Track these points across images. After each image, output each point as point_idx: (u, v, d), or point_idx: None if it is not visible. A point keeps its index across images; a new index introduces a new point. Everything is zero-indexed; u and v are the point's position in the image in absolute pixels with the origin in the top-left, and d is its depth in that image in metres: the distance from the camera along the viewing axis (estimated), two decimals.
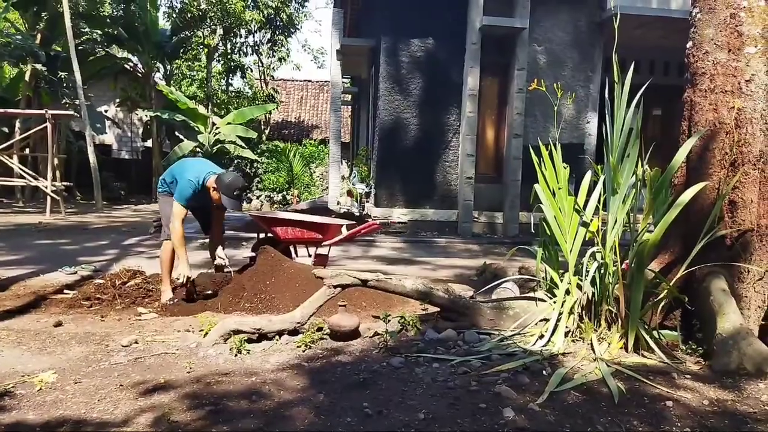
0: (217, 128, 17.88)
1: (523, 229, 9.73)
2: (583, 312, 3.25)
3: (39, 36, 16.07)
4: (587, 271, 3.23)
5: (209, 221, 4.81)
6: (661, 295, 3.13)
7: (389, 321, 3.29)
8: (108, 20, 17.24)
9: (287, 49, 25.27)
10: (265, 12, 21.34)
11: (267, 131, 23.44)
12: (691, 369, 2.88)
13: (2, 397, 2.47)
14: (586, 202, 3.53)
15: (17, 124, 15.60)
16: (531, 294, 3.66)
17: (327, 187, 14.97)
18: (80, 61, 14.40)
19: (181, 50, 19.99)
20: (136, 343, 3.26)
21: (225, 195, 4.24)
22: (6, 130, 16.81)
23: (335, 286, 3.40)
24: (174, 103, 17.66)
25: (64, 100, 16.38)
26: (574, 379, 2.65)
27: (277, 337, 3.28)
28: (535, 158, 3.75)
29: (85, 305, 4.19)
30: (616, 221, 3.21)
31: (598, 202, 3.47)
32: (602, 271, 3.21)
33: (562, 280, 3.42)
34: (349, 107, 21.49)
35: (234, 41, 21.98)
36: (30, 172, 13.03)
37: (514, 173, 9.70)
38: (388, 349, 3.09)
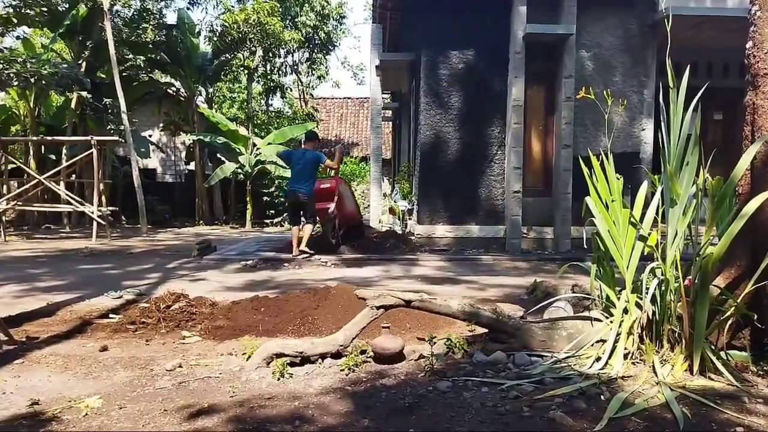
0: (257, 149, 18.33)
1: (575, 244, 9.52)
2: (643, 332, 3.14)
3: (84, 64, 16.91)
4: (647, 288, 3.13)
5: (299, 216, 8.83)
6: (728, 313, 3.00)
7: (435, 343, 3.26)
8: (150, 46, 18.00)
9: (326, 67, 25.85)
10: (304, 31, 21.89)
11: None
12: (764, 392, 2.73)
13: (50, 423, 2.57)
14: (643, 214, 3.43)
15: (64, 151, 16.39)
16: (586, 313, 3.57)
17: (368, 205, 15.08)
18: (124, 87, 15.08)
19: (222, 73, 20.68)
20: (180, 367, 3.34)
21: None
22: (53, 157, 17.68)
23: (378, 307, 3.40)
24: (216, 126, 18.23)
25: (109, 126, 17.13)
26: (635, 404, 2.56)
27: (320, 360, 3.30)
28: (585, 169, 3.68)
29: (130, 329, 4.32)
30: (676, 234, 3.11)
31: (656, 214, 3.37)
32: (663, 288, 3.11)
33: (619, 298, 3.32)
34: (390, 122, 21.65)
35: (273, 61, 22.61)
36: (76, 198, 13.64)
37: (564, 186, 9.53)
38: (434, 373, 3.06)
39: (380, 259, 8.72)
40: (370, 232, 10.42)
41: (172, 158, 23.74)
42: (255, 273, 7.63)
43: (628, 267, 3.35)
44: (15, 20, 15.27)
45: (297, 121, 22.36)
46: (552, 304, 4.15)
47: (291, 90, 25.93)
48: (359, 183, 23.15)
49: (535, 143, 10.23)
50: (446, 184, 9.96)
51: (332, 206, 8.94)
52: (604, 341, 3.21)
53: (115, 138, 14.54)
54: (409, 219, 11.26)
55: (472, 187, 9.97)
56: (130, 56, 17.76)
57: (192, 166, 20.95)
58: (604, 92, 4.40)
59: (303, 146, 9.25)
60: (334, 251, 8.94)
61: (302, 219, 8.96)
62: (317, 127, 23.53)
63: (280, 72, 23.61)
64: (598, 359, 3.10)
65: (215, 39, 19.40)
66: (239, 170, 18.48)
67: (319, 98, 30.02)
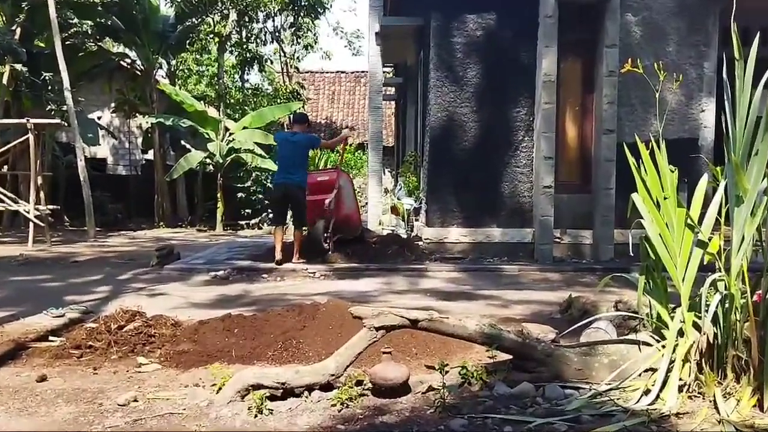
0: (230, 134, 18.34)
1: (619, 251, 9.51)
2: (703, 359, 3.14)
3: (19, 30, 16.88)
4: (707, 306, 3.12)
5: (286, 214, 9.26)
6: None
7: (447, 372, 3.26)
8: (100, 8, 17.99)
9: (314, 35, 25.79)
10: None
11: None
12: None
13: None
14: (702, 214, 3.43)
15: None
16: (632, 336, 3.57)
17: (366, 203, 15.09)
18: (68, 59, 15.06)
19: (188, 41, 20.67)
20: (136, 401, 3.34)
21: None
22: None
23: (377, 328, 3.40)
24: (179, 106, 18.23)
25: (49, 107, 17.11)
26: None
27: (306, 392, 3.30)
28: (631, 159, 3.67)
29: (75, 355, 4.32)
30: (743, 239, 3.10)
31: (719, 214, 3.37)
32: (726, 305, 3.10)
33: (672, 318, 3.32)
34: (393, 102, 21.64)
35: (250, 27, 22.60)
36: (9, 195, 13.62)
37: (606, 179, 9.53)
38: (447, 408, 3.06)
39: (380, 270, 8.73)
40: (369, 236, 10.43)
41: (126, 146, 23.74)
42: (227, 286, 7.65)
43: (683, 279, 3.34)
44: None
45: (279, 101, 22.34)
46: (590, 325, 4.15)
47: (271, 62, 25.93)
48: (355, 176, 23.16)
49: (571, 127, 10.23)
50: (461, 178, 9.95)
51: (329, 198, 8.99)
52: (654, 370, 3.21)
53: (57, 121, 14.52)
54: (416, 220, 11.26)
55: (494, 182, 9.96)
56: (75, 21, 17.73)
57: (150, 155, 20.95)
58: (655, 65, 4.39)
59: (292, 129, 9.48)
60: (324, 259, 8.95)
61: (290, 220, 9.01)
62: (304, 107, 23.55)
63: (258, 40, 23.59)
64: (647, 392, 3.10)
65: (179, 0, 19.39)
66: (208, 160, 18.47)
67: (306, 72, 30.00)
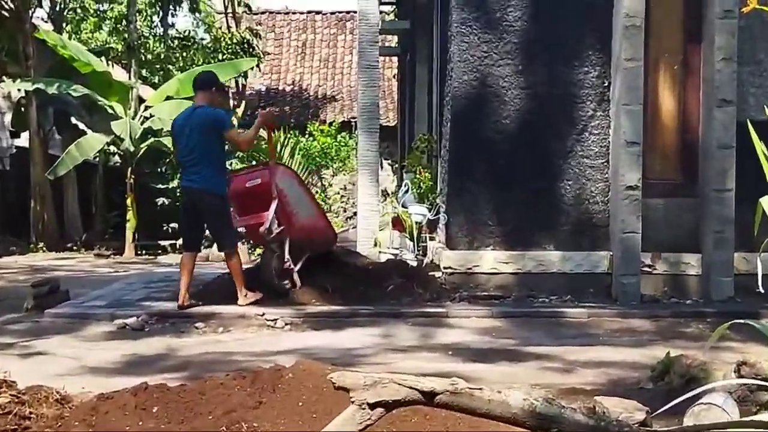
0: (147, 108, 18.36)
1: (742, 284, 9.49)
2: None
3: None
4: None
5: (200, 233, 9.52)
6: None
7: None
8: None
9: None
10: None
11: (240, 111, 23.94)
12: None
13: None
14: None
15: None
16: (763, 416, 3.56)
17: (355, 213, 15.09)
18: None
19: None
20: None
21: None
22: None
23: (372, 405, 3.39)
24: (68, 64, 18.23)
25: None
26: None
27: None
28: (760, 146, 3.68)
29: None
30: None
31: None
32: None
33: None
34: (395, 59, 21.72)
35: None
36: None
37: (721, 177, 9.53)
38: None
39: (375, 315, 8.74)
40: (357, 263, 10.41)
41: None
42: (142, 341, 7.64)
43: None
44: None
45: (221, 56, 22.41)
46: (700, 399, 4.15)
47: None
48: (337, 171, 23.17)
49: (666, 97, 10.24)
50: (500, 174, 9.96)
51: (268, 220, 8.68)
52: None
53: None
54: (431, 239, 11.26)
55: (549, 180, 9.97)
56: None
57: (24, 140, 20.95)
58: None
59: (195, 102, 9.25)
60: (287, 299, 8.90)
61: (217, 241, 9.03)
62: (258, 65, 23.56)
63: None
64: None
65: None
66: (113, 148, 18.48)
67: (263, 13, 30.10)
